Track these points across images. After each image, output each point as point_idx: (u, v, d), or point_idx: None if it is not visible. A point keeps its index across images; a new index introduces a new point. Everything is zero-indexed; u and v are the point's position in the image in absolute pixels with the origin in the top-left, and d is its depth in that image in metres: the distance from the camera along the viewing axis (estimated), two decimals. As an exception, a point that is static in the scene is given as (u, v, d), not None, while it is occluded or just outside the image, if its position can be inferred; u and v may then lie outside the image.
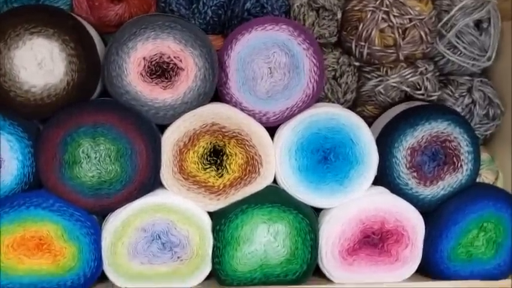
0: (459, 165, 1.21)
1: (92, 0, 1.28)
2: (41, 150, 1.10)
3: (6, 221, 1.09)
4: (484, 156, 1.33)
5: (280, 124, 1.20)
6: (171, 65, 1.14)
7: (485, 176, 1.34)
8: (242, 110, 1.17)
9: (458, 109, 1.33)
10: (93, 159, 1.11)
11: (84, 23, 1.19)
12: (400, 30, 1.27)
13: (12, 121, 1.11)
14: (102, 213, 1.15)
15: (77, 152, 1.10)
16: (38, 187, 1.13)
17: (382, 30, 1.28)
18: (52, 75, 1.11)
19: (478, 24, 1.35)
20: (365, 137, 1.18)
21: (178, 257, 1.15)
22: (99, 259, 1.12)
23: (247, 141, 1.15)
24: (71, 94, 1.11)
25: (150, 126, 1.14)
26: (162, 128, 1.17)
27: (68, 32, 1.10)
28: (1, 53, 1.09)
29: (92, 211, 1.13)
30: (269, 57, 1.17)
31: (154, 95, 1.14)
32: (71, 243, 1.11)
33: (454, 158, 1.21)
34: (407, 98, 1.32)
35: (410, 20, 1.27)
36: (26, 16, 1.08)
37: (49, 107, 1.11)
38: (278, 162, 1.17)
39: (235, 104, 1.18)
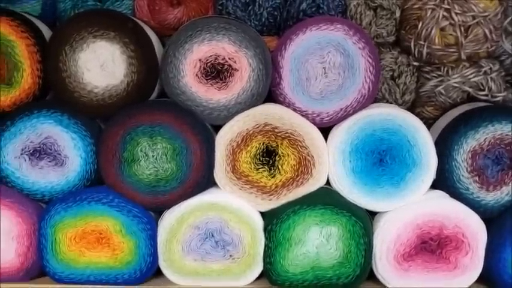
0: (526, 169, 1.14)
1: (152, 5, 1.33)
2: (102, 148, 1.15)
3: (69, 214, 1.15)
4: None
5: (334, 125, 1.19)
6: (225, 66, 1.15)
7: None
8: (295, 110, 1.17)
9: (527, 110, 1.26)
10: (151, 158, 1.14)
11: (144, 26, 1.23)
12: (462, 29, 1.22)
13: (76, 120, 1.17)
14: (159, 210, 1.19)
15: (136, 151, 1.14)
16: (99, 183, 1.18)
17: (442, 29, 1.23)
18: (113, 77, 1.16)
19: (549, 20, 1.27)
20: (423, 139, 1.14)
21: (230, 256, 1.16)
22: (154, 254, 1.16)
23: (300, 141, 1.15)
24: (130, 94, 1.16)
25: (204, 126, 1.16)
26: (216, 128, 1.19)
27: (128, 35, 1.14)
28: (67, 55, 1.15)
29: (149, 208, 1.17)
30: (323, 57, 1.16)
31: (209, 95, 1.16)
32: (128, 238, 1.15)
33: (520, 162, 1.15)
34: (470, 99, 1.27)
35: (474, 17, 1.22)
36: (89, 20, 1.14)
37: (110, 107, 1.16)
38: (331, 163, 1.16)
39: (288, 105, 1.17)
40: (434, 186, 1.16)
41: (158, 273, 1.19)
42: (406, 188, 1.15)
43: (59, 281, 1.16)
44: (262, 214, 1.18)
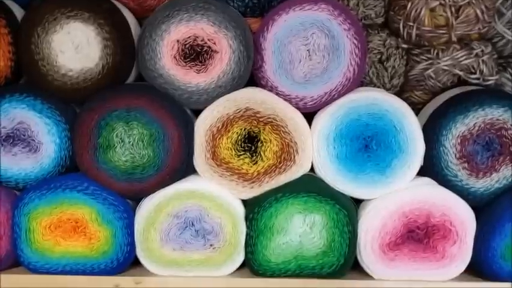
0: (517, 156, 1.10)
1: (131, -15, 1.27)
2: (76, 134, 1.11)
3: (44, 202, 1.11)
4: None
5: (318, 110, 1.14)
6: (205, 48, 1.11)
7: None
8: (278, 94, 1.13)
9: (519, 95, 1.21)
10: (127, 144, 1.10)
11: (122, 7, 1.18)
12: (453, 9, 1.17)
13: (50, 105, 1.13)
14: (136, 198, 1.15)
15: (111, 136, 1.10)
16: (74, 170, 1.14)
17: (432, 9, 1.18)
18: (88, 59, 1.11)
19: (543, 0, 1.22)
20: (410, 124, 1.10)
21: (210, 245, 1.12)
22: (132, 244, 1.12)
23: (282, 127, 1.10)
24: (106, 78, 1.11)
25: (183, 111, 1.11)
26: (196, 113, 1.15)
27: (103, 16, 1.10)
28: (39, 37, 1.10)
29: (126, 195, 1.13)
30: (307, 39, 1.11)
31: (187, 78, 1.12)
32: (104, 226, 1.11)
33: (511, 148, 1.10)
34: (461, 82, 1.22)
35: (465, -4, 1.17)
36: (62, 0, 1.09)
37: (85, 90, 1.12)
38: (315, 149, 1.12)
39: (271, 89, 1.13)
40: (422, 173, 1.12)
41: (136, 263, 1.15)
42: (392, 174, 1.11)
43: (34, 270, 1.13)
44: (244, 202, 1.14)
